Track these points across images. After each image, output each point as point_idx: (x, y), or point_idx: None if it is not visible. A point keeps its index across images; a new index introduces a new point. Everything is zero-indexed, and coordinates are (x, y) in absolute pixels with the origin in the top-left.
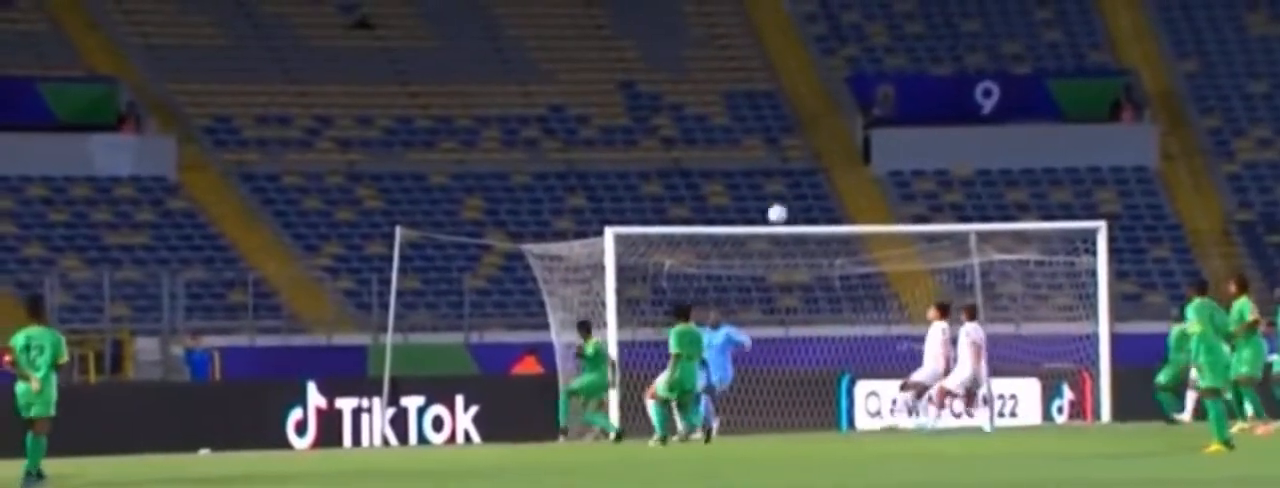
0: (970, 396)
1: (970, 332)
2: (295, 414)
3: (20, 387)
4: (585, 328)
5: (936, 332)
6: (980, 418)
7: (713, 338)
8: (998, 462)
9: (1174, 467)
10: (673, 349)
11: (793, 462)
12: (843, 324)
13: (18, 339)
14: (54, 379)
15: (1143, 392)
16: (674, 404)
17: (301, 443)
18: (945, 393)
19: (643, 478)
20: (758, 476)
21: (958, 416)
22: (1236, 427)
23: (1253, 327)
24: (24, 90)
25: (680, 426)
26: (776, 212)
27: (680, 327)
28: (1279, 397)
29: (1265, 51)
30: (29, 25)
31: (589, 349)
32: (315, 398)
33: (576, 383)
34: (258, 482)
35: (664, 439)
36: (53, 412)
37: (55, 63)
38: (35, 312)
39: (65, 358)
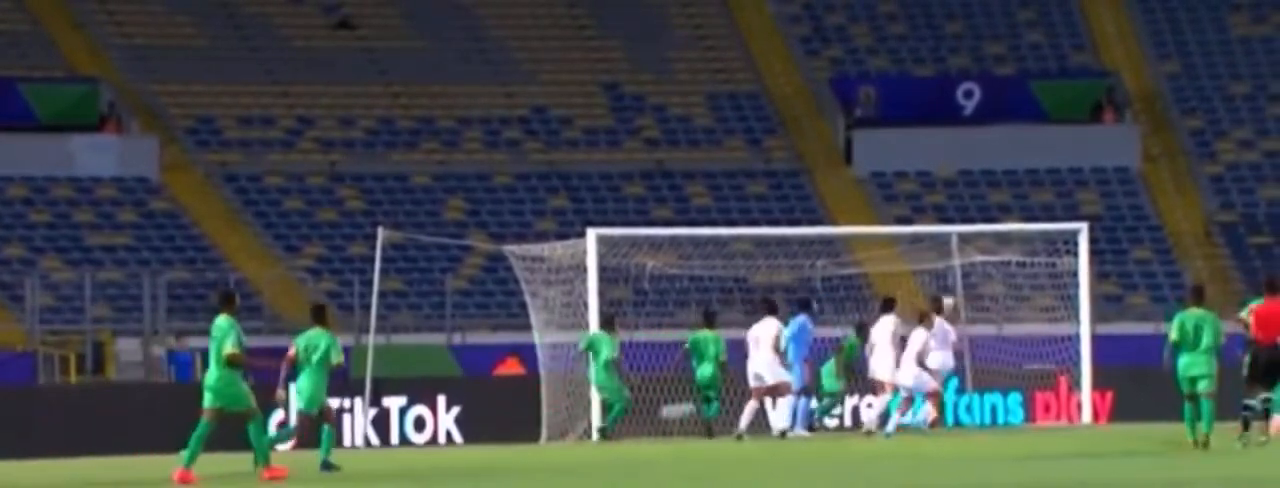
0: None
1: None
2: (276, 415)
3: (299, 385)
4: (711, 318)
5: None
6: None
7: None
8: (986, 465)
9: (1161, 468)
10: (613, 355)
11: (780, 462)
12: (824, 326)
13: (299, 341)
14: (320, 377)
15: (1124, 393)
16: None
17: (283, 444)
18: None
19: (628, 478)
20: (743, 476)
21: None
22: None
23: None
24: (6, 90)
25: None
26: None
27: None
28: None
29: (1247, 53)
30: (11, 25)
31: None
32: (296, 399)
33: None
34: (239, 482)
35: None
36: (314, 408)
37: (37, 63)
38: (319, 317)
39: (337, 359)
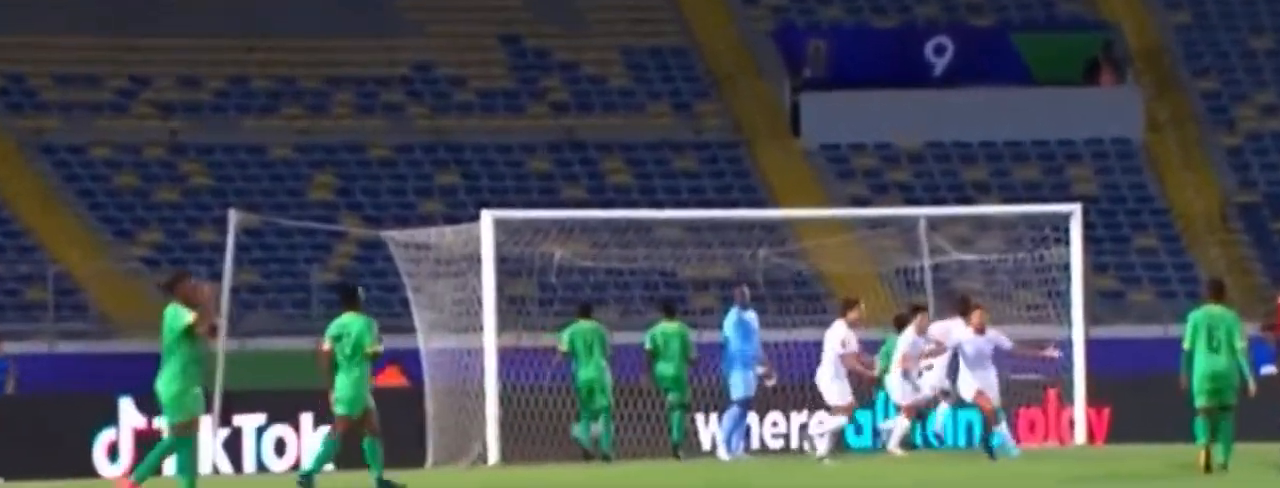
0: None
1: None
2: (107, 435)
3: (337, 383)
4: (670, 309)
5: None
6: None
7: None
8: (973, 482)
9: None
10: (562, 347)
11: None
12: (768, 328)
13: (332, 329)
14: (360, 372)
15: (1123, 408)
16: None
17: (113, 470)
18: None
19: None
20: None
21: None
22: None
23: None
24: None
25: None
26: None
27: (578, 324)
28: None
29: (1270, 1)
30: None
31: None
32: (131, 416)
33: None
34: None
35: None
36: (356, 409)
37: None
38: (349, 300)
39: (373, 348)
